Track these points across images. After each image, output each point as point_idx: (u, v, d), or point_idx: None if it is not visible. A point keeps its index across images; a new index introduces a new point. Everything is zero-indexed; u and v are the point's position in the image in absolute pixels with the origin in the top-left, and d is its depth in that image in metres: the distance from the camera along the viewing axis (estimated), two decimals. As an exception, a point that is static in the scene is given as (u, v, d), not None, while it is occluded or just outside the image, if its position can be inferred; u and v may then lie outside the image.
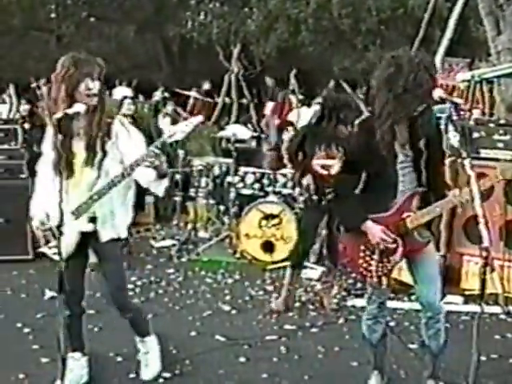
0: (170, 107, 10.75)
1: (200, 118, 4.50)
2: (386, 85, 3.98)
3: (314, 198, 6.29)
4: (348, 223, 4.29)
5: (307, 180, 6.34)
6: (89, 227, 4.45)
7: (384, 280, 4.22)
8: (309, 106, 14.15)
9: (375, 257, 4.18)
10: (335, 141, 6.15)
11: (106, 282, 4.65)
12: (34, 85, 16.53)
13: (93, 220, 4.45)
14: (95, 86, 4.33)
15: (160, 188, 4.56)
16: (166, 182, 4.54)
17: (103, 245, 4.50)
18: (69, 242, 4.43)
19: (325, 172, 6.17)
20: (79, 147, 4.41)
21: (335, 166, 6.11)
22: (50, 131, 4.49)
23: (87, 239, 4.50)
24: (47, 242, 4.48)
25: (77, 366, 4.75)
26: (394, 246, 4.14)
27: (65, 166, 4.34)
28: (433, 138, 4.10)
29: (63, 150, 4.30)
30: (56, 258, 4.38)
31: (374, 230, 4.12)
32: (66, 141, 4.34)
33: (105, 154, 4.39)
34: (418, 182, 4.15)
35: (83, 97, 4.30)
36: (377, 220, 4.13)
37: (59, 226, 3.96)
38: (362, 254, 4.21)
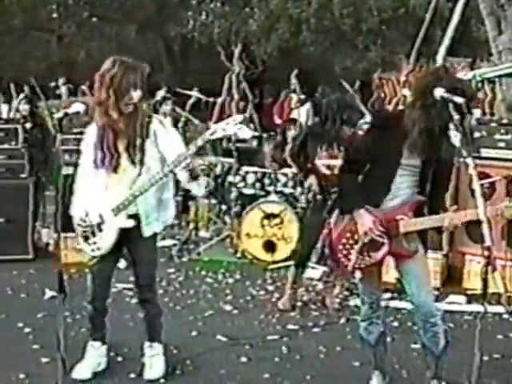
0: (168, 107, 10.70)
1: (241, 117, 4.56)
2: (421, 92, 4.02)
3: (319, 197, 6.28)
4: (344, 205, 4.26)
5: (310, 180, 6.34)
6: (128, 223, 4.53)
7: (358, 273, 4.19)
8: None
9: (357, 247, 4.16)
10: (337, 141, 6.18)
11: (136, 276, 4.79)
12: (52, 84, 16.42)
13: (132, 216, 4.53)
14: (137, 95, 4.42)
15: (200, 189, 4.67)
16: (204, 183, 4.65)
17: (143, 240, 4.60)
18: (108, 239, 4.54)
19: (329, 172, 6.18)
20: (122, 147, 4.51)
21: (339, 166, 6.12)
22: (92, 130, 4.59)
23: (126, 236, 4.58)
24: (86, 238, 4.60)
25: (95, 354, 4.87)
26: (379, 242, 4.12)
27: (109, 164, 4.49)
28: (445, 151, 4.09)
29: (109, 150, 4.47)
30: (95, 254, 4.59)
31: (366, 219, 4.11)
32: (111, 141, 4.48)
33: (144, 152, 4.49)
34: (417, 188, 4.16)
35: (123, 104, 4.40)
36: (372, 212, 4.12)
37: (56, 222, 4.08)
38: (344, 241, 4.19)
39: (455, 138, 4.04)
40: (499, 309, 6.15)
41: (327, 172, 6.21)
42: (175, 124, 10.54)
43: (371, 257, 4.16)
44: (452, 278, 6.87)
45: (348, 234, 4.19)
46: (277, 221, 7.81)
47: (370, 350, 4.56)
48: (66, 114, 4.17)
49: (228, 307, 6.41)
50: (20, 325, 5.79)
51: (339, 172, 4.51)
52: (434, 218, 4.11)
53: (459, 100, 3.79)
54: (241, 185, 8.35)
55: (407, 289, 4.28)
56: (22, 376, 4.81)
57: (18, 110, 9.20)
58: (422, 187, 4.16)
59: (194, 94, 11.97)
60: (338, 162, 6.16)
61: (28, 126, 8.69)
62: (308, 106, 11.00)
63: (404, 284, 4.30)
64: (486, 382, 4.50)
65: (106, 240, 4.53)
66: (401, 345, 5.29)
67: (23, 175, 7.85)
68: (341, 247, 4.20)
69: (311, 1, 18.63)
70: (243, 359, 5.20)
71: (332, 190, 6.12)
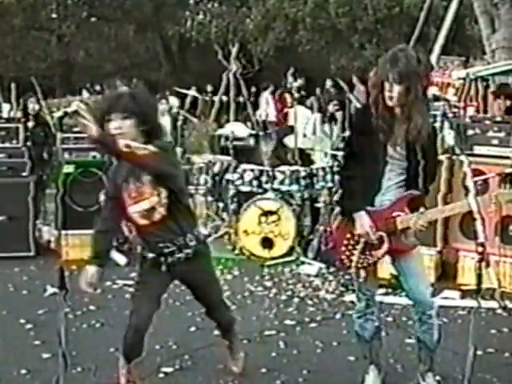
0: (165, 106, 10.77)
1: None
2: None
3: None
4: (346, 207, 4.26)
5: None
6: None
7: (362, 273, 4.20)
8: (303, 104, 14.24)
9: (358, 248, 4.18)
10: None
11: None
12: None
13: None
14: None
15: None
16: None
17: None
18: None
19: None
20: None
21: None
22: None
23: None
24: None
25: None
26: (378, 241, 4.13)
27: None
28: (428, 141, 4.09)
29: None
30: None
31: (364, 222, 4.11)
32: None
33: None
34: (405, 179, 4.15)
35: None
36: (369, 212, 4.13)
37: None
38: (346, 242, 4.22)
39: (449, 135, 4.11)
40: (493, 304, 6.17)
41: None
42: (174, 122, 10.64)
43: (373, 255, 4.17)
44: (446, 273, 6.91)
45: (349, 235, 4.21)
46: (274, 218, 7.84)
47: (365, 345, 4.57)
48: (66, 114, 4.19)
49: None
50: (22, 321, 5.83)
51: (342, 175, 4.46)
52: (432, 211, 4.13)
53: (452, 98, 3.86)
54: (238, 182, 8.40)
55: (404, 285, 4.29)
56: (23, 371, 4.85)
57: (24, 109, 9.21)
58: (415, 181, 4.15)
59: (192, 93, 12.03)
60: None
61: (30, 124, 8.79)
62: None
63: (401, 280, 4.31)
64: (480, 377, 4.53)
65: None
66: (395, 339, 5.33)
67: (24, 174, 7.89)
68: (344, 249, 4.22)
69: (307, 0, 18.72)
70: (241, 354, 5.18)
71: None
